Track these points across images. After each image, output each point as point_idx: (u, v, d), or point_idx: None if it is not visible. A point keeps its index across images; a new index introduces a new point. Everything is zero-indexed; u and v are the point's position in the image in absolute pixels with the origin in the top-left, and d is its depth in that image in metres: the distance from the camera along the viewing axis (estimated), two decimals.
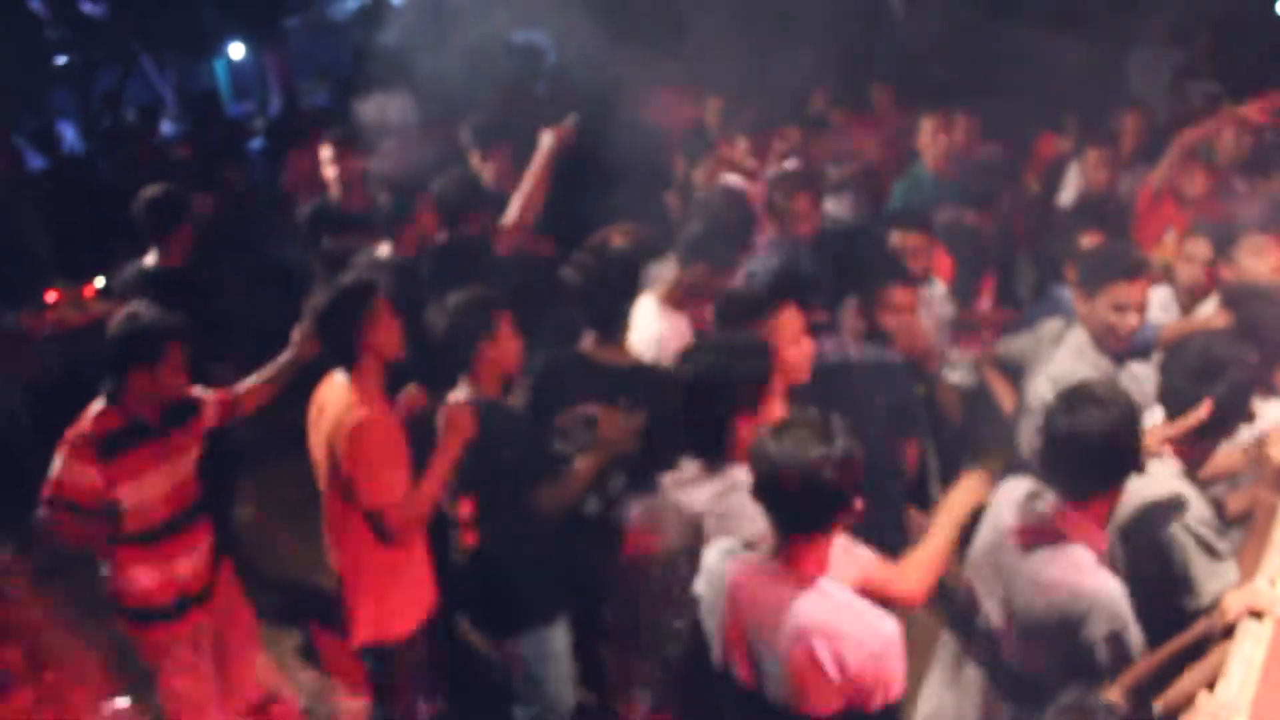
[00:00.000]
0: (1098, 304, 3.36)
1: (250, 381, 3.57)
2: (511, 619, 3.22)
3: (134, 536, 3.16)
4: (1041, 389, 3.29)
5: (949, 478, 3.45)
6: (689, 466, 2.68)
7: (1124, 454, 2.43)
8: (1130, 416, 2.43)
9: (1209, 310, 3.76)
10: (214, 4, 10.99)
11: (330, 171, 4.92)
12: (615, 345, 3.34)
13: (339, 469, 3.03)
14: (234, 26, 11.87)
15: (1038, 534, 2.49)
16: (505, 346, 3.15)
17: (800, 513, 2.23)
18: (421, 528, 3.15)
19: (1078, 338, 3.44)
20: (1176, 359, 2.87)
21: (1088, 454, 2.40)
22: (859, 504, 2.24)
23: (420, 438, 3.09)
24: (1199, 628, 2.25)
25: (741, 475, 2.51)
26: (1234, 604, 2.00)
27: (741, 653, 2.34)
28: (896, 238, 4.13)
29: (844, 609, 2.20)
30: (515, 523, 3.10)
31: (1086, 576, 2.39)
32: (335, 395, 3.08)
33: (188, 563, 3.27)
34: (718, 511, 2.56)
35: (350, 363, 3.06)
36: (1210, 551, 2.57)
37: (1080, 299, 3.46)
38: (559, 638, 3.27)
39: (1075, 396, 2.46)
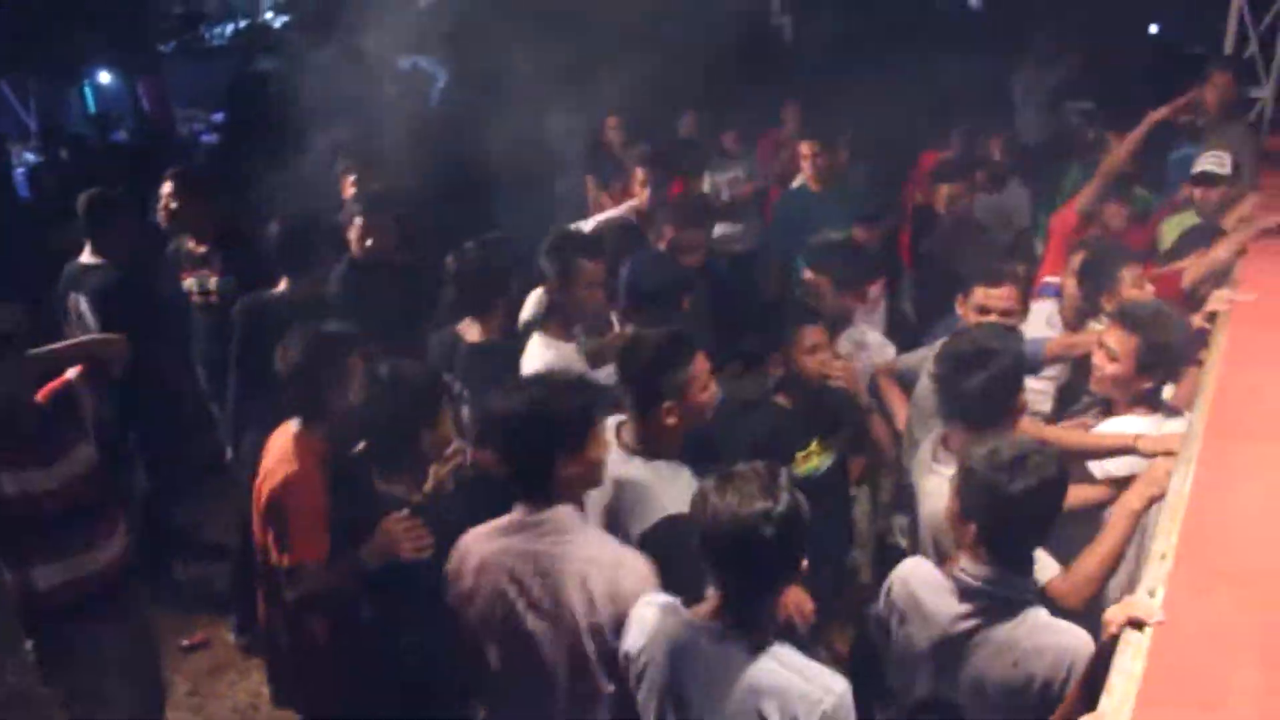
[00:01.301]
0: (968, 306, 3.56)
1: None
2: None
3: (30, 528, 3.08)
4: None
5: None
6: (517, 510, 2.52)
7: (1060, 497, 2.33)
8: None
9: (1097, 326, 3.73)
10: (82, 28, 10.42)
11: (171, 204, 4.65)
12: (484, 327, 3.72)
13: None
14: (103, 53, 11.30)
15: (988, 609, 2.34)
16: (444, 434, 3.00)
17: (745, 571, 2.11)
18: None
19: None
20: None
21: (1038, 510, 2.29)
22: (804, 562, 2.13)
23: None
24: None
25: (565, 516, 2.43)
26: (1115, 616, 1.94)
27: (681, 716, 2.20)
28: (809, 275, 3.98)
29: (795, 670, 2.10)
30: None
31: (1062, 635, 2.30)
32: (278, 444, 2.95)
33: (82, 563, 3.15)
34: (540, 550, 2.42)
35: (311, 417, 2.93)
36: None
37: (960, 303, 3.65)
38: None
39: (1009, 454, 2.27)
